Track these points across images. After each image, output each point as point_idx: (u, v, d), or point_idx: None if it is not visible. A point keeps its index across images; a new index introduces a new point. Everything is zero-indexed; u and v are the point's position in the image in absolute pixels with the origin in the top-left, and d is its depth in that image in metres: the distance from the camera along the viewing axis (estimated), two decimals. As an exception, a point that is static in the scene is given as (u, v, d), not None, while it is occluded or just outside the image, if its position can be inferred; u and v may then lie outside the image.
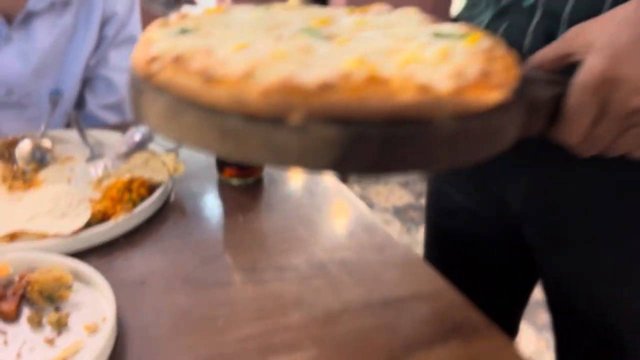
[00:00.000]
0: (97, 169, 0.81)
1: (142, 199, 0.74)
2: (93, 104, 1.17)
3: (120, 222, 0.70)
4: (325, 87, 0.33)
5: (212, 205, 0.81)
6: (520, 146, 0.44)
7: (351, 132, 0.33)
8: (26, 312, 0.58)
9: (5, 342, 0.54)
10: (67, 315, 0.57)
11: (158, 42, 0.42)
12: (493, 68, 0.39)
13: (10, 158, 0.83)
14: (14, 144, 0.84)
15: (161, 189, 0.76)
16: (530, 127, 0.44)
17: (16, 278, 0.61)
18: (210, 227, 0.76)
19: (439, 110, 0.35)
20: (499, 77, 0.38)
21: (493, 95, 0.37)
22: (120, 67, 1.17)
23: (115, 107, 1.18)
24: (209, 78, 0.35)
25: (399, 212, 2.48)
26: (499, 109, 0.38)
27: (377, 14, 0.51)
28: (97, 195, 0.76)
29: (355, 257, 0.69)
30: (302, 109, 0.33)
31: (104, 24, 1.14)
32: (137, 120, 0.42)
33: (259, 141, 0.34)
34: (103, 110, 1.17)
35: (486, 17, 0.63)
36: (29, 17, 1.07)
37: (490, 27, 0.62)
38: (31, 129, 1.16)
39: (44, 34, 1.08)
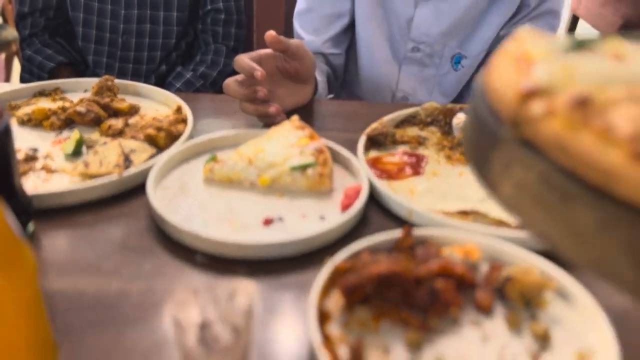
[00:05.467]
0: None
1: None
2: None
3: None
4: None
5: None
6: None
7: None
8: (500, 309, 0.53)
9: (484, 337, 0.50)
10: (548, 331, 0.50)
11: (542, 63, 0.28)
12: None
13: (445, 126, 0.81)
14: (451, 112, 0.81)
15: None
16: None
17: (484, 266, 0.57)
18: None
19: None
20: None
21: None
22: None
23: None
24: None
25: None
26: None
27: None
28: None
29: None
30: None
31: None
32: (480, 181, 0.31)
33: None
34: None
35: None
36: None
37: None
38: (424, 89, 1.16)
39: None
